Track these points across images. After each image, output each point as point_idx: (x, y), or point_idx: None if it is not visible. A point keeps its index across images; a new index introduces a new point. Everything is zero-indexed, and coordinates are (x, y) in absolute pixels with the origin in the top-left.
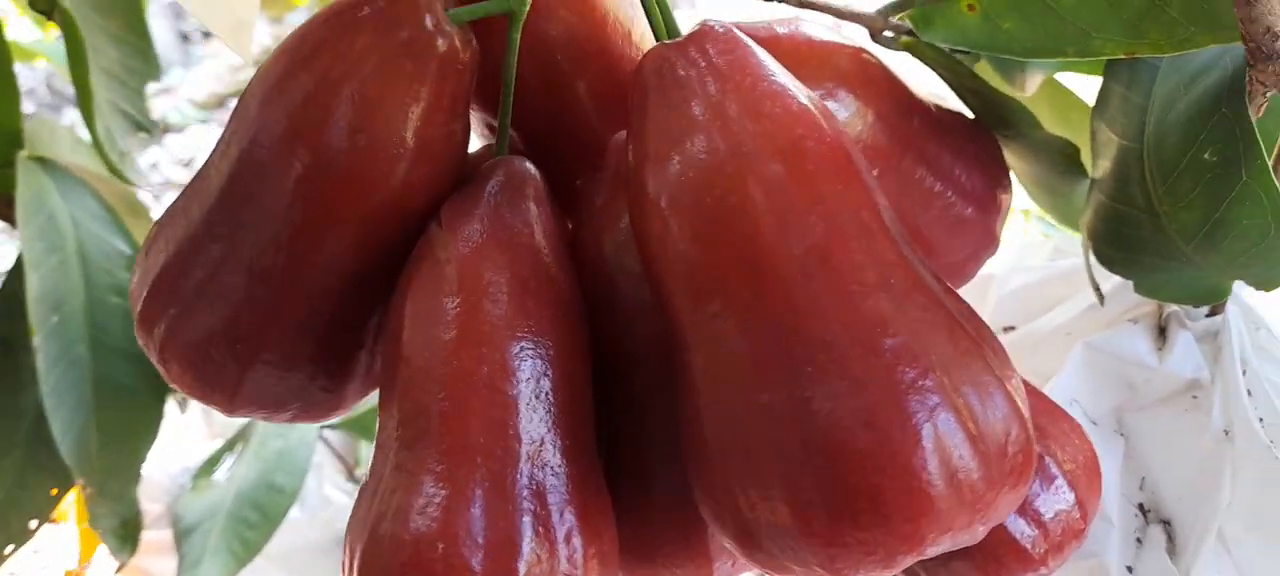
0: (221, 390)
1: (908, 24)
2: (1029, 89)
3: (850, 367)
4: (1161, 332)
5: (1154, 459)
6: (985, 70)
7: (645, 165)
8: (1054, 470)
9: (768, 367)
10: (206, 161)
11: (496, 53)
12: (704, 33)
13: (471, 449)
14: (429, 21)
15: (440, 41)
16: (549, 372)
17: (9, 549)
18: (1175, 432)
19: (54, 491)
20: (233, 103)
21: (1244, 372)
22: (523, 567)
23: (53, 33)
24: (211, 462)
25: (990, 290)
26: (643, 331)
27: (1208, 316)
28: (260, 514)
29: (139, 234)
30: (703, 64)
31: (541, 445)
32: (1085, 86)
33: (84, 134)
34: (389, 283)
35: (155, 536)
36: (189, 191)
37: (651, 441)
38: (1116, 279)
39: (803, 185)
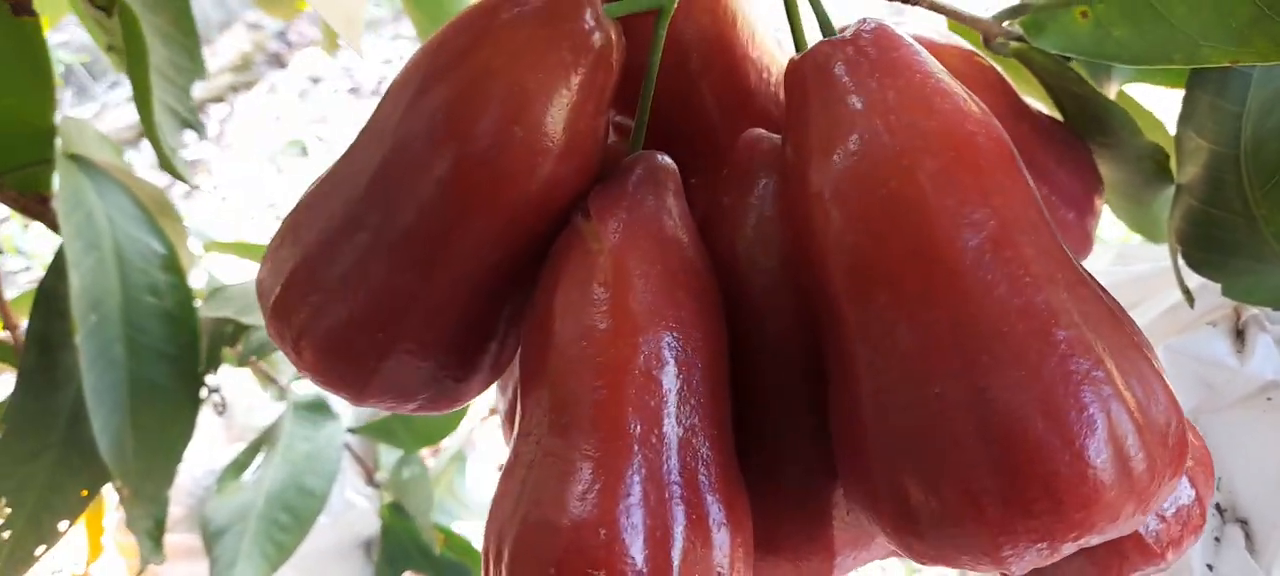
0: (357, 377)
1: (1019, 30)
2: (1109, 94)
3: (1027, 357)
4: (1239, 335)
5: (1232, 460)
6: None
7: (810, 159)
8: None
9: (940, 358)
10: (349, 152)
11: (633, 50)
12: (863, 30)
13: (628, 436)
14: (589, 16)
15: (598, 36)
16: (697, 363)
17: (40, 550)
18: (1252, 434)
19: (84, 492)
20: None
21: None
22: (677, 556)
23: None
24: (238, 465)
25: None
26: (773, 326)
27: None
28: (292, 516)
29: (169, 231)
30: (867, 60)
31: (692, 434)
32: (1147, 96)
33: (102, 128)
34: (525, 273)
35: (176, 540)
36: (327, 186)
37: (779, 434)
38: (1195, 280)
39: (974, 179)
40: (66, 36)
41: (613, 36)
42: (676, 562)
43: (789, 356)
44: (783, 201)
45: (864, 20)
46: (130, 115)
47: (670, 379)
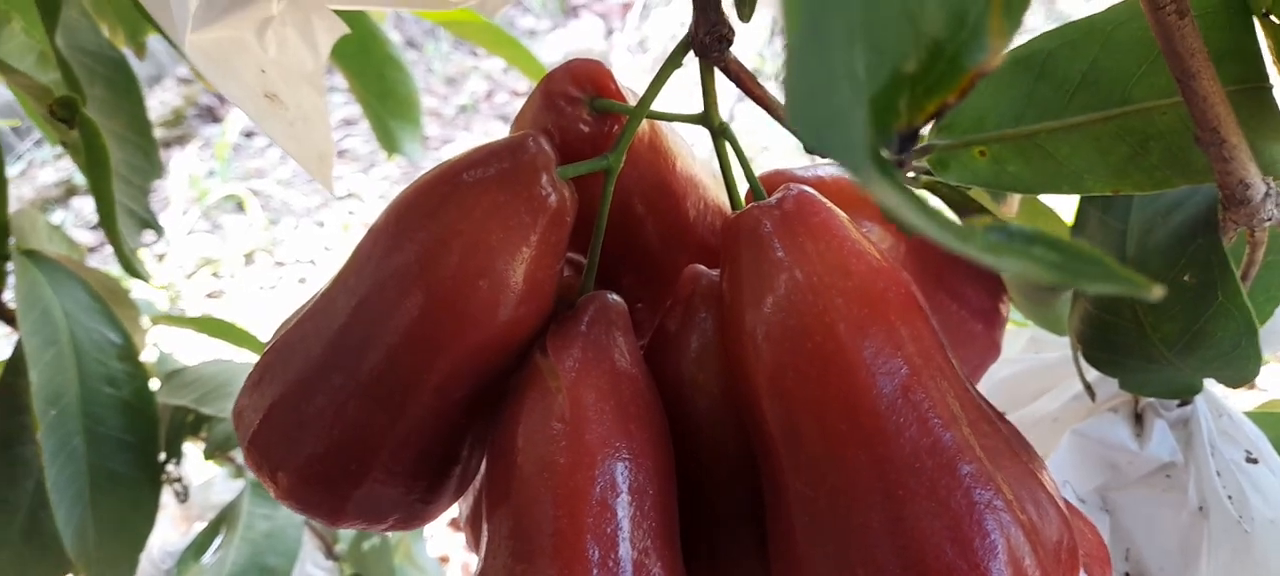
0: (331, 504)
1: (926, 166)
2: (1012, 210)
3: (936, 491)
4: (1138, 420)
5: (1138, 532)
6: (978, 193)
7: (744, 306)
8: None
9: (862, 491)
10: (322, 300)
11: (584, 198)
12: (790, 197)
13: (586, 561)
14: (545, 180)
15: (553, 197)
16: (649, 489)
17: None
18: (1155, 509)
19: None
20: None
21: (1212, 455)
22: None
23: None
24: (198, 547)
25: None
26: (716, 445)
27: (1179, 407)
28: None
29: (124, 319)
30: (791, 224)
31: (645, 555)
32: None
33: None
34: (488, 404)
35: None
36: (304, 328)
37: (725, 545)
38: (1095, 371)
39: (886, 332)
40: None
41: (566, 195)
42: None
43: (731, 471)
44: (721, 334)
45: (788, 187)
46: (56, 174)
47: (624, 506)
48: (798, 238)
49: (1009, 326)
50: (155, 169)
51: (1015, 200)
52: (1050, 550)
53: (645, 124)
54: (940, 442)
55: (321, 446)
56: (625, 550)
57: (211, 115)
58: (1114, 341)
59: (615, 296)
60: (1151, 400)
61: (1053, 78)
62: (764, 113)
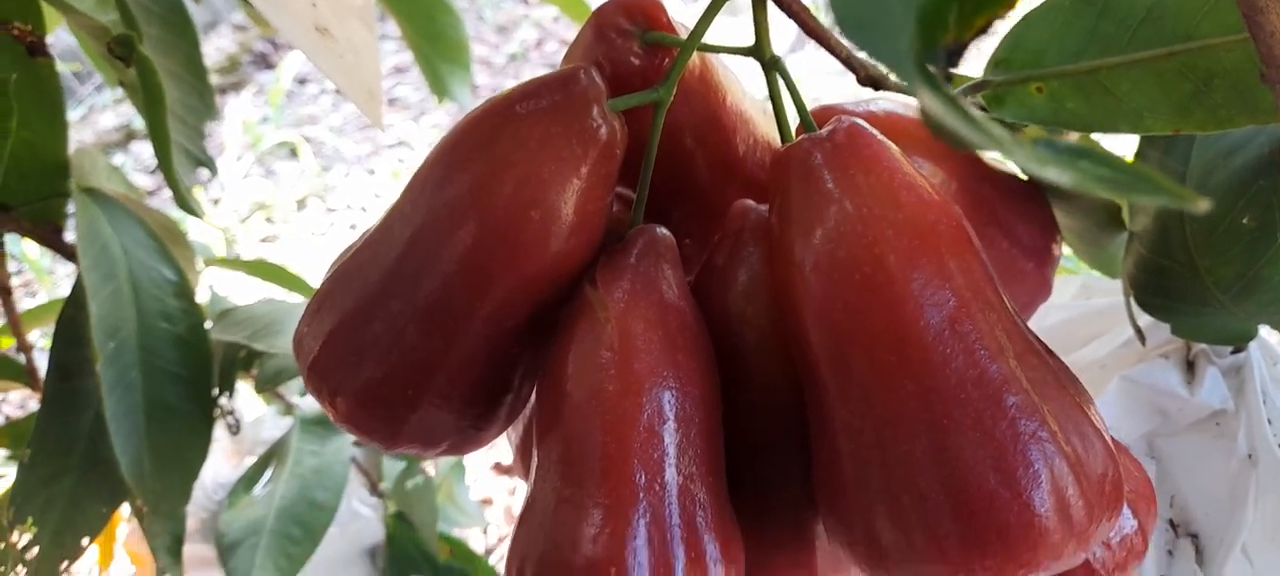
0: (387, 427)
1: (981, 103)
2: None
3: (981, 421)
4: (1190, 367)
5: (1183, 480)
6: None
7: (794, 237)
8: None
9: (908, 421)
10: (379, 230)
11: (634, 131)
12: (840, 129)
13: (633, 486)
14: (596, 112)
15: (604, 129)
16: (695, 417)
17: (65, 564)
18: (1203, 456)
19: (104, 510)
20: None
21: (1264, 403)
22: None
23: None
24: (249, 480)
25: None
26: (763, 376)
27: (1232, 354)
28: (303, 529)
29: (181, 258)
30: (842, 156)
31: (690, 481)
32: (1110, 140)
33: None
34: (539, 334)
35: (190, 550)
36: (365, 254)
37: (770, 473)
38: (1146, 318)
39: (935, 264)
40: (52, 40)
41: (616, 128)
42: None
43: (777, 402)
44: (769, 267)
45: (840, 118)
46: (116, 119)
47: (670, 433)
48: (848, 169)
49: (1060, 273)
50: (210, 109)
51: (1073, 133)
52: (1094, 482)
53: (696, 57)
54: (986, 374)
55: (379, 371)
56: (671, 475)
57: (265, 62)
58: (1168, 285)
59: (664, 230)
60: (1203, 347)
61: (1116, 13)
62: (822, 61)
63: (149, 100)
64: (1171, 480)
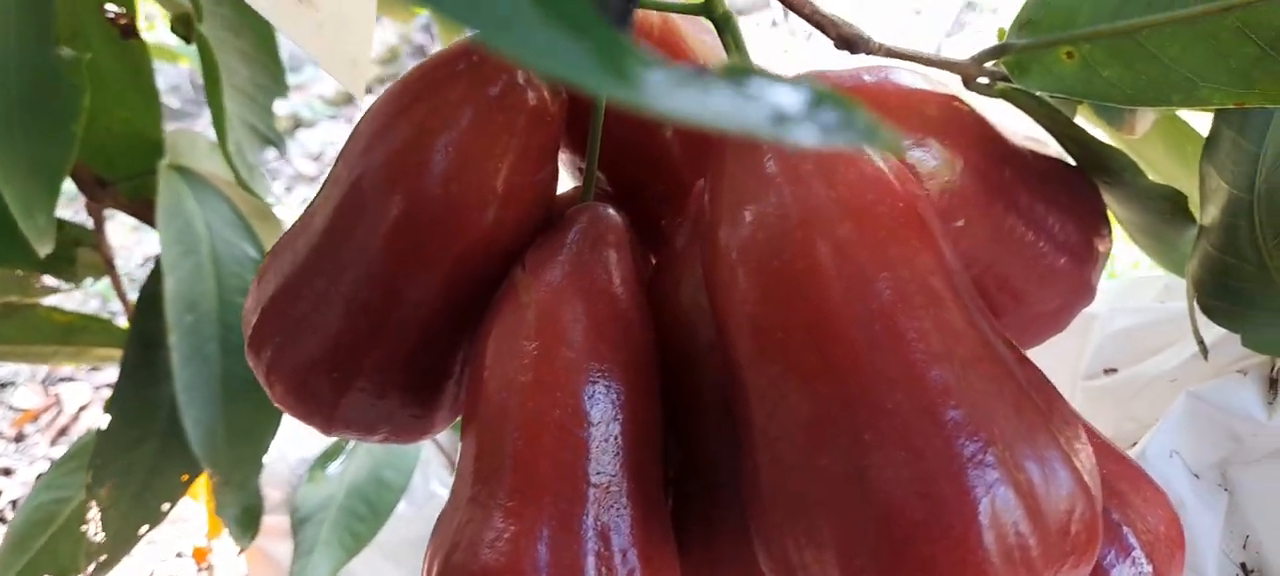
0: (319, 413)
1: (1003, 70)
2: (1139, 131)
3: (910, 438)
4: (1272, 386)
5: (1259, 517)
6: (1088, 111)
7: (720, 218)
8: (1132, 540)
9: (828, 431)
10: (314, 199)
11: (587, 98)
12: None
13: (541, 488)
14: (521, 75)
15: (531, 94)
16: (619, 416)
17: (144, 528)
18: None
19: (185, 477)
20: (361, 99)
21: None
22: None
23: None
24: (327, 456)
25: (1092, 330)
26: (713, 377)
27: None
28: (369, 507)
29: (268, 239)
30: None
31: (608, 486)
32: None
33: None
34: (477, 318)
35: (274, 521)
36: (297, 226)
37: (720, 483)
38: (1216, 332)
39: (872, 250)
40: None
41: (546, 95)
42: None
43: (727, 405)
44: (701, 251)
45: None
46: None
47: (587, 431)
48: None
49: (1140, 271)
50: (281, 87)
51: (1143, 123)
52: (1054, 519)
53: (657, 18)
54: (923, 381)
55: (305, 352)
56: (588, 478)
57: (423, 53)
58: (1234, 287)
59: (610, 210)
60: None
61: None
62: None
63: (206, 77)
64: (1244, 517)
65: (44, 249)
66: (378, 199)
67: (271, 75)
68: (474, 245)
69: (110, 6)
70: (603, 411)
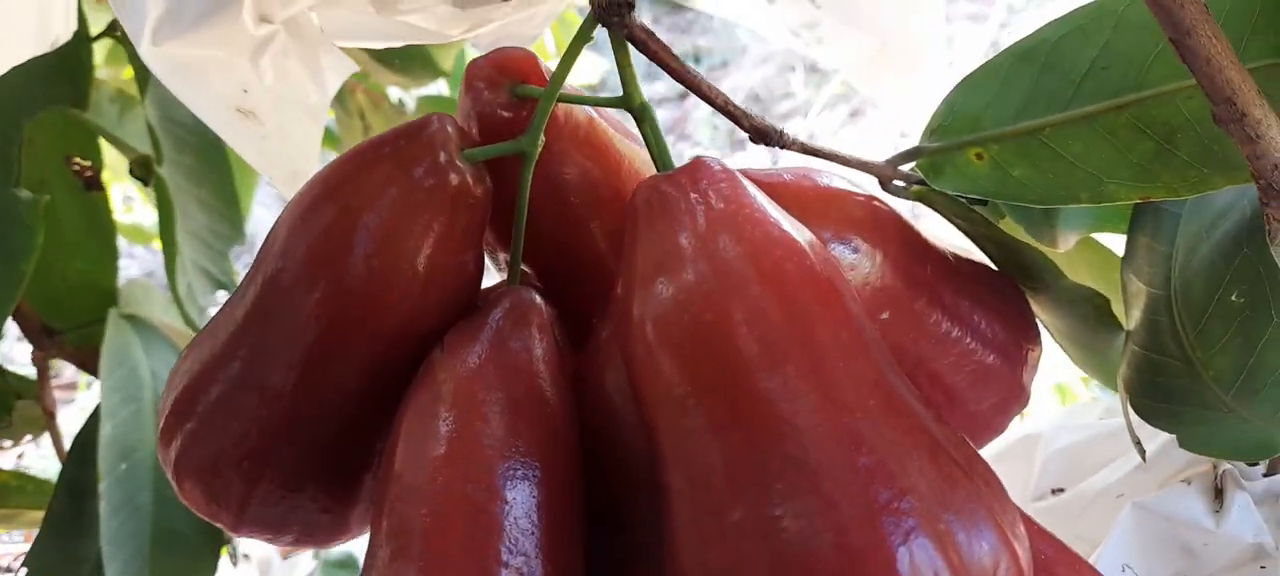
0: (227, 508)
1: (918, 173)
2: (1061, 246)
3: (821, 485)
4: (1218, 494)
5: None
6: (1011, 227)
7: (632, 289)
8: None
9: (740, 484)
10: (237, 291)
11: (513, 191)
12: (695, 165)
13: (450, 567)
14: (443, 158)
15: (453, 177)
16: (536, 494)
17: None
18: None
19: None
20: None
21: None
22: None
23: None
24: None
25: (1037, 450)
26: (638, 458)
27: (1265, 475)
28: None
29: None
30: (691, 193)
31: (522, 569)
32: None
33: None
34: (394, 407)
35: None
36: (220, 315)
37: (647, 564)
38: (1166, 437)
39: (781, 304)
40: None
41: (469, 179)
42: None
43: (650, 487)
44: (617, 328)
45: (696, 157)
46: None
47: (501, 508)
48: (692, 205)
49: (1084, 396)
50: (238, 235)
51: (1066, 239)
52: (977, 570)
53: (581, 116)
54: (832, 431)
55: (220, 440)
56: (497, 558)
57: None
58: (1164, 385)
59: (531, 293)
60: (1231, 467)
61: (1059, 68)
62: None
63: (161, 217)
64: None
65: None
66: (300, 277)
67: (230, 223)
68: (394, 327)
69: (77, 160)
70: (519, 489)
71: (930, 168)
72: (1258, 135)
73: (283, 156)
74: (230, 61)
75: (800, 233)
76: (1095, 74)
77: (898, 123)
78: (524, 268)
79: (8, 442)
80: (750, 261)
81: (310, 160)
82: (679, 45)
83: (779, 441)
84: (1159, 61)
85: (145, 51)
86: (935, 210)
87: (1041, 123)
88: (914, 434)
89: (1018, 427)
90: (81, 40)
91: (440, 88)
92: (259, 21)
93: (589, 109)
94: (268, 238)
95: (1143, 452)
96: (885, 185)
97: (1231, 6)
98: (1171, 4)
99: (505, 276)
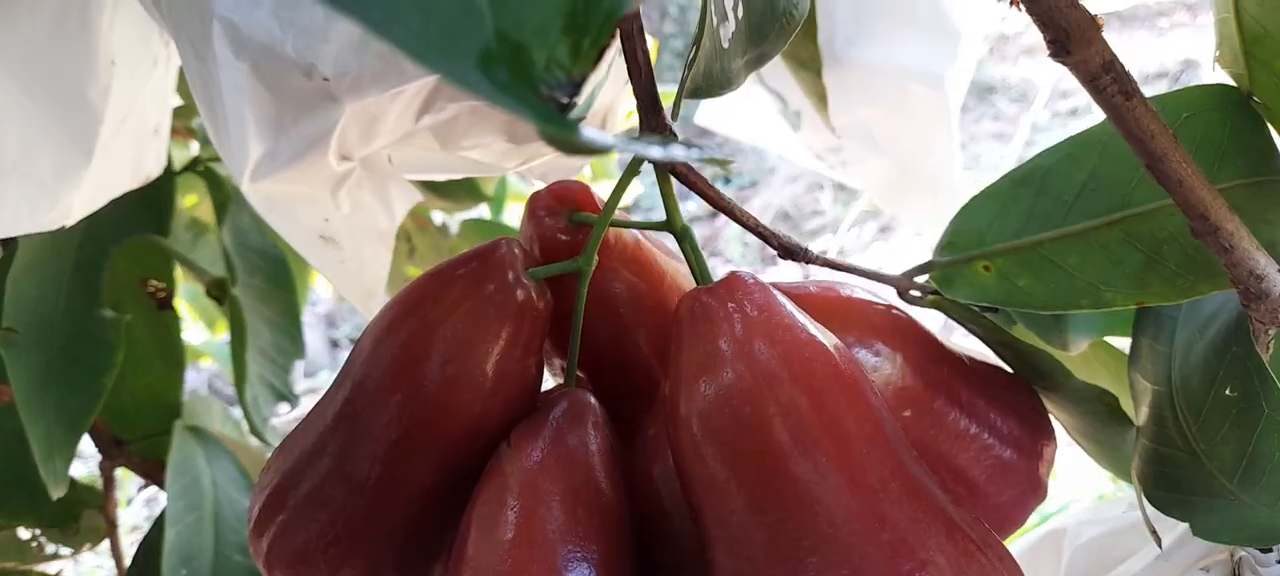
0: None
1: (933, 284)
2: (1073, 350)
3: (849, 557)
4: None
5: None
6: (1024, 332)
7: (679, 388)
8: None
9: (778, 558)
10: (324, 397)
11: (570, 304)
12: (731, 279)
13: None
14: (510, 277)
15: (519, 293)
16: (593, 573)
17: None
18: None
19: None
20: None
21: None
22: None
23: (221, 334)
24: None
25: (1063, 544)
26: (684, 540)
27: (1278, 562)
28: None
29: None
30: (728, 303)
31: None
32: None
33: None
34: (464, 500)
35: None
36: (307, 421)
37: None
38: (1183, 527)
39: (810, 399)
40: None
41: (533, 294)
42: None
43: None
44: (665, 423)
45: (733, 272)
46: None
47: None
48: (730, 315)
49: (1109, 489)
50: (298, 350)
51: (1077, 344)
52: None
53: (629, 238)
54: (859, 511)
55: (306, 532)
56: None
57: None
58: (1173, 475)
59: (587, 394)
60: (1247, 553)
61: (1052, 191)
62: None
63: (233, 333)
64: None
65: (57, 492)
66: (384, 384)
67: (291, 339)
68: (465, 426)
69: (153, 283)
70: (579, 570)
71: (943, 279)
72: (1231, 246)
73: (358, 277)
74: (314, 195)
75: (826, 337)
76: (1086, 195)
77: (925, 239)
78: (579, 372)
79: (67, 550)
80: (782, 362)
81: (380, 280)
82: (709, 167)
83: (811, 519)
84: (1141, 184)
85: (246, 188)
86: (950, 317)
87: (1040, 238)
88: (932, 514)
89: (1044, 525)
90: (168, 175)
91: (482, 211)
92: (340, 159)
93: (636, 232)
94: (354, 349)
95: (1159, 540)
96: (903, 295)
97: (1202, 137)
98: (1143, 134)
99: (561, 380)
